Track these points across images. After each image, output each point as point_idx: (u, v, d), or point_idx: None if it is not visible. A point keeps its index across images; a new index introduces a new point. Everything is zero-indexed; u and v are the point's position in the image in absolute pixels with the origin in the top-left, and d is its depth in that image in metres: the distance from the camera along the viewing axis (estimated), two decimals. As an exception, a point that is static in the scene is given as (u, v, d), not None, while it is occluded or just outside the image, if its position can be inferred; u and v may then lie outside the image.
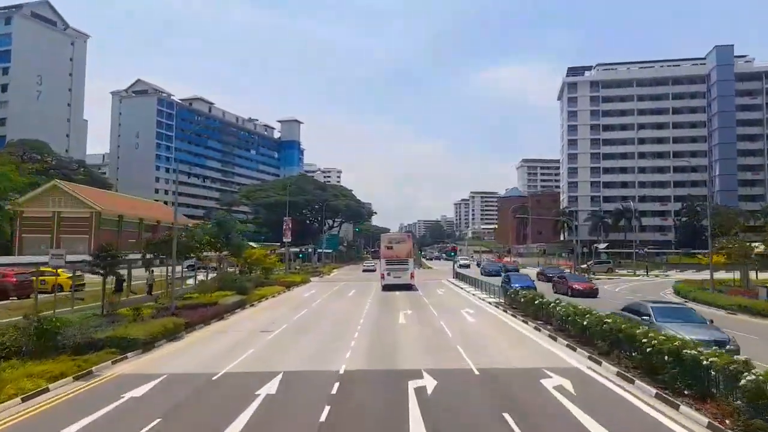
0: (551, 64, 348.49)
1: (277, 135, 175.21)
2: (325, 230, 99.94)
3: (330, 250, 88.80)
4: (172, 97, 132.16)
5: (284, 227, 51.92)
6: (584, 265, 59.50)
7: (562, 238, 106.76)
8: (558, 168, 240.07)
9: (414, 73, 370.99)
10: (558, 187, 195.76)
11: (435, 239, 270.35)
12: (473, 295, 36.43)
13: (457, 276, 50.73)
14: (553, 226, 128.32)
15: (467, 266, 71.82)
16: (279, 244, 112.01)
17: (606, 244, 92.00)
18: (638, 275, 61.42)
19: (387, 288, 40.83)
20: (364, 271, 67.21)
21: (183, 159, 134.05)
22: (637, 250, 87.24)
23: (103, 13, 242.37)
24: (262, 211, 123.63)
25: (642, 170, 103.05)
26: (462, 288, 42.35)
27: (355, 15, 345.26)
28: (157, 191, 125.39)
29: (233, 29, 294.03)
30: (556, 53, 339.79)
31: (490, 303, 30.77)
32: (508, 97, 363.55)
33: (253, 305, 31.25)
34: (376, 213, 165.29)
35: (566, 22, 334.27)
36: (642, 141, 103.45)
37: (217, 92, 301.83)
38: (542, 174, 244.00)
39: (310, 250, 67.64)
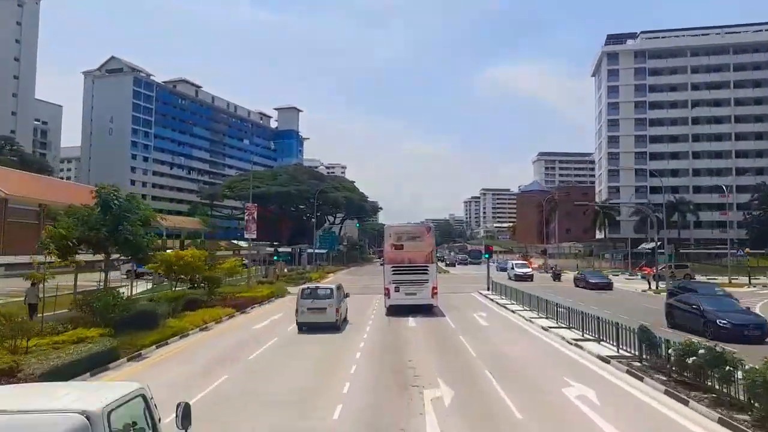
0: (566, 57, 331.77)
1: (274, 124, 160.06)
2: (326, 227, 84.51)
3: (324, 251, 73.33)
4: (151, 77, 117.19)
5: (246, 217, 36.16)
6: (666, 269, 43.50)
7: (601, 236, 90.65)
8: (579, 161, 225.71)
9: (418, 71, 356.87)
10: (582, 180, 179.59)
11: (444, 239, 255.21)
12: (554, 332, 20.45)
13: (501, 291, 34.44)
14: (586, 223, 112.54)
15: (529, 276, 49.38)
16: (270, 243, 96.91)
17: (659, 243, 75.95)
18: (739, 283, 45.23)
19: (394, 311, 25.75)
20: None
21: (164, 147, 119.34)
22: (707, 250, 71.28)
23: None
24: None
25: (696, 155, 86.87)
26: (520, 314, 25.94)
27: (359, 13, 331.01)
28: (133, 182, 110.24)
29: (235, 27, 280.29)
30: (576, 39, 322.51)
31: (619, 364, 14.83)
32: (518, 95, 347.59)
33: (134, 359, 15.89)
34: (381, 209, 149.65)
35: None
36: (696, 121, 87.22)
37: (211, 84, 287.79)
38: (561, 168, 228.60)
39: (298, 250, 52.39)
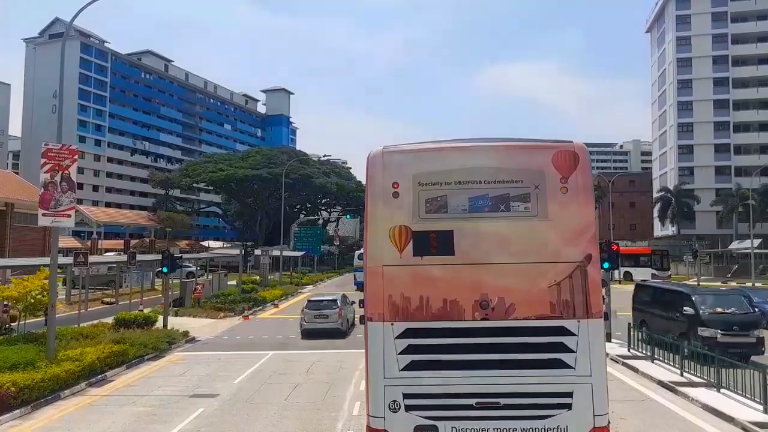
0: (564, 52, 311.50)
1: (261, 109, 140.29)
2: (302, 221, 64.32)
3: (301, 252, 53.01)
4: (106, 45, 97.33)
5: (44, 174, 15.57)
6: None
7: (666, 232, 70.09)
8: (601, 151, 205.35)
9: (417, 72, 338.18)
10: (605, 173, 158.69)
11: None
12: None
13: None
14: (635, 217, 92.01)
15: None
16: (244, 243, 76.95)
17: (758, 242, 55.81)
18: None
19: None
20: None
21: (124, 130, 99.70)
22: None
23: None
24: (227, 197, 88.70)
25: (795, 126, 66.33)
26: None
27: (357, 13, 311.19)
28: (81, 171, 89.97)
29: (233, 28, 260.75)
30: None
31: None
32: (518, 92, 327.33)
33: None
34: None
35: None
36: (794, 81, 66.66)
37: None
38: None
39: (243, 251, 32.25)
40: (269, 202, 74.25)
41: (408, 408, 5.55)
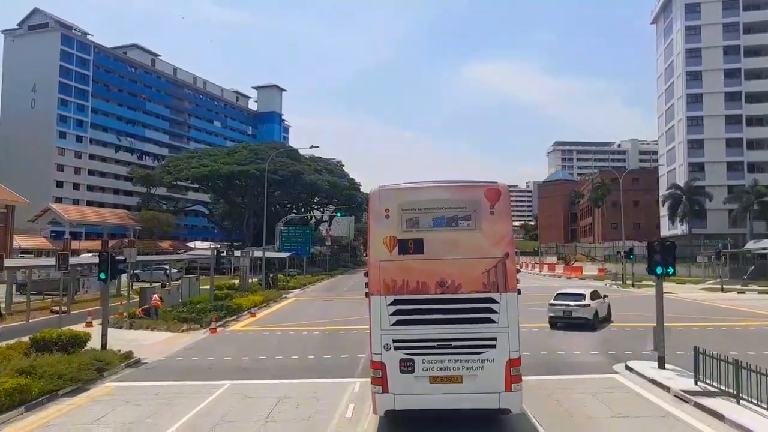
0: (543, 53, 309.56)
1: (253, 106, 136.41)
2: (286, 219, 60.50)
3: (287, 253, 49.12)
4: (89, 37, 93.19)
5: None
6: None
7: (675, 231, 66.68)
8: (599, 150, 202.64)
9: (398, 73, 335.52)
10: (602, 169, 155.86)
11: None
12: None
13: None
14: (639, 216, 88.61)
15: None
16: (231, 243, 73.17)
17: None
18: None
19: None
20: None
21: (107, 126, 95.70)
22: None
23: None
24: (215, 196, 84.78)
25: (811, 119, 63.07)
26: None
27: (336, 12, 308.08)
28: (60, 168, 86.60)
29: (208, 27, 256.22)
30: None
31: None
32: (500, 94, 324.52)
33: None
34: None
35: None
36: (810, 72, 63.43)
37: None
38: (579, 159, 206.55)
39: (215, 251, 28.29)
40: (257, 201, 70.29)
41: (396, 348, 8.76)
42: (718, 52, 64.26)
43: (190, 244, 78.87)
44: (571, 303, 20.58)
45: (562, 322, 20.46)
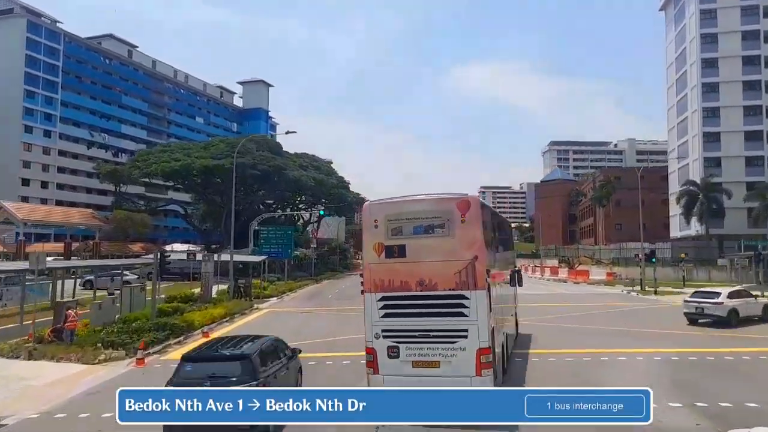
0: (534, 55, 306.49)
1: (238, 102, 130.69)
2: (262, 218, 54.90)
3: (262, 257, 43.44)
4: (59, 25, 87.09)
5: None
6: None
7: (689, 232, 61.76)
8: (596, 150, 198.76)
9: (387, 75, 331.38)
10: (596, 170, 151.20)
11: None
12: None
13: None
14: (645, 217, 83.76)
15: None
16: (208, 246, 67.54)
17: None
18: None
19: None
20: None
21: (79, 120, 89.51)
22: None
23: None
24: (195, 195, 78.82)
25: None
26: None
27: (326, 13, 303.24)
28: (27, 165, 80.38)
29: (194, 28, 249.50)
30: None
31: None
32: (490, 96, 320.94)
33: None
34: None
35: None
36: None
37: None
38: (575, 159, 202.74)
39: (159, 255, 22.98)
40: (239, 198, 64.40)
41: (384, 337, 10.41)
42: (736, 37, 59.53)
43: (168, 247, 72.70)
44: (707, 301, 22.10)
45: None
